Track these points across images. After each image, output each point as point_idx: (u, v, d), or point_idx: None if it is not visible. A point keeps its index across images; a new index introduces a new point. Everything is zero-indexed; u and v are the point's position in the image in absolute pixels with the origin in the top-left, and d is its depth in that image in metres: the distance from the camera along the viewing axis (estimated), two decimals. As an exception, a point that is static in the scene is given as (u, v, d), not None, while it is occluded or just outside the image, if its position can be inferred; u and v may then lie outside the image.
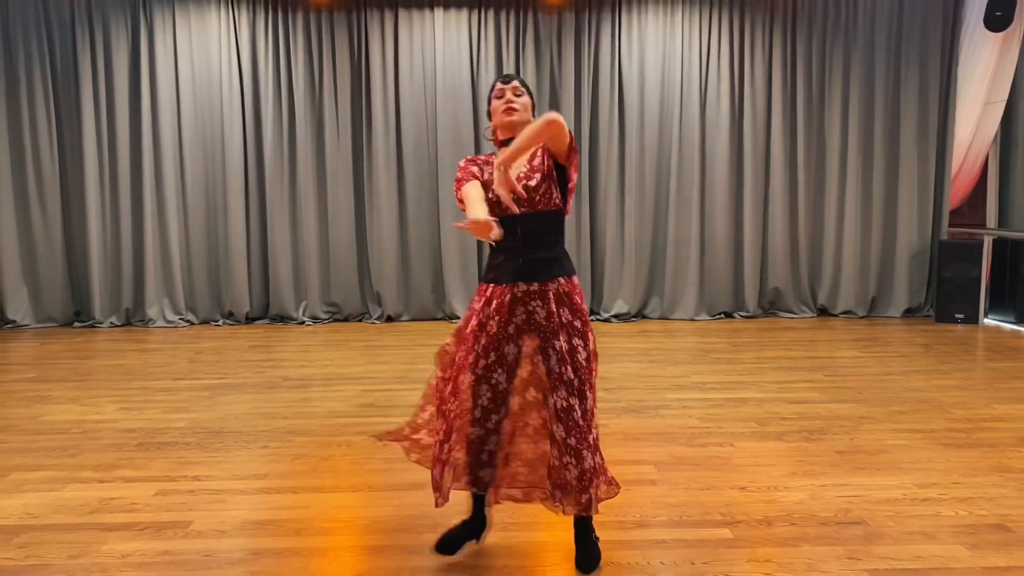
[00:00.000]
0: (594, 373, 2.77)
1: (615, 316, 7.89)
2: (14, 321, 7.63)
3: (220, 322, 7.84)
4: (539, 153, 2.78)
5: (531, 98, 2.85)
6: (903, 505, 3.34)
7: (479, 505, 2.96)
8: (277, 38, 7.65)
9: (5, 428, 4.50)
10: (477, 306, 2.78)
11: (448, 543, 2.90)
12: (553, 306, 2.70)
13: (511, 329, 2.73)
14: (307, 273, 7.84)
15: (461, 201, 2.76)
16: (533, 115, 2.84)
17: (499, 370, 2.74)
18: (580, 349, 2.71)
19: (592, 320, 7.82)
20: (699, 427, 4.44)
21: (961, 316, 7.66)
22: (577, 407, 2.67)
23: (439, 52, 7.70)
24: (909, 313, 8.11)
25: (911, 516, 3.23)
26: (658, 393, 5.18)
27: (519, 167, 2.78)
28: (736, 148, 7.96)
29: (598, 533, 2.95)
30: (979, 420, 4.54)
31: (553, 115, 2.57)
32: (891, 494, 3.46)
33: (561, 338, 2.69)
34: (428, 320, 7.95)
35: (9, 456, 4.03)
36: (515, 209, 2.63)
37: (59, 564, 2.86)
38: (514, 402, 2.76)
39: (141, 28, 7.54)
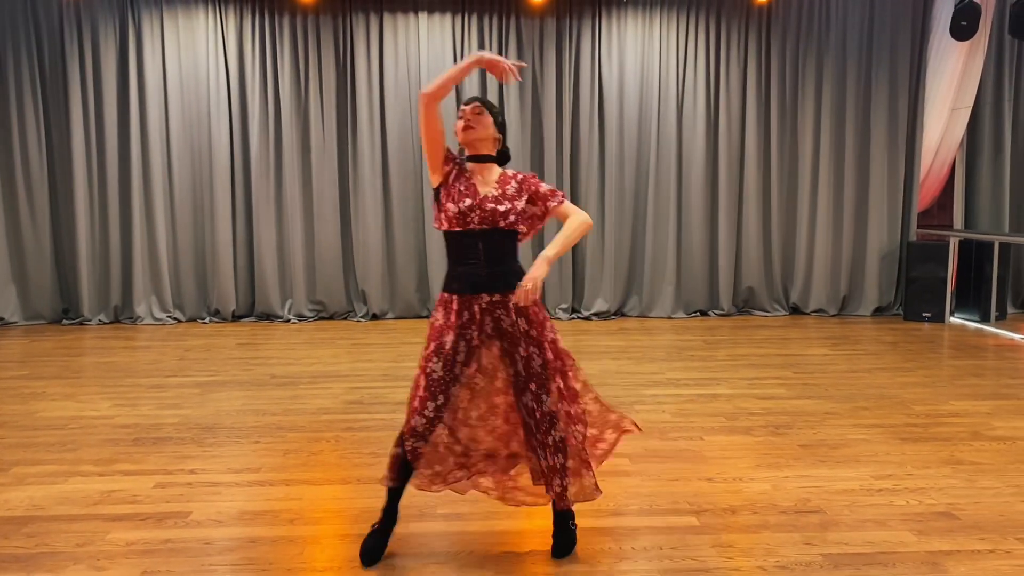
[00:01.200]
0: (559, 379, 2.95)
1: (595, 314, 8.11)
2: (2, 319, 7.74)
3: (207, 320, 7.99)
4: (520, 191, 2.96)
5: (493, 116, 2.97)
6: (859, 495, 3.57)
7: (393, 503, 3.03)
8: (264, 40, 7.80)
9: (3, 424, 4.66)
10: (450, 319, 2.87)
11: (372, 553, 2.97)
12: (514, 316, 2.89)
13: (484, 337, 2.90)
14: (293, 272, 8.00)
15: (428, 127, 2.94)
16: (501, 133, 2.99)
17: (478, 375, 2.91)
18: (535, 356, 2.90)
19: (573, 319, 8.07)
20: (672, 422, 4.67)
21: (928, 315, 7.94)
22: (537, 408, 2.88)
23: (423, 55, 7.88)
24: (879, 312, 8.39)
25: (866, 505, 3.46)
26: (634, 389, 5.40)
27: (489, 188, 2.93)
28: (712, 151, 8.19)
29: (579, 521, 3.16)
30: (937, 416, 4.79)
31: (590, 221, 2.99)
32: (849, 485, 3.69)
33: (522, 345, 2.89)
34: (413, 318, 8.14)
35: (10, 451, 4.19)
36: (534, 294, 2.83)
37: (68, 552, 3.04)
38: (482, 403, 2.93)
39: (129, 30, 7.67)
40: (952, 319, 7.99)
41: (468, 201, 2.86)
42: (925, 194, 8.57)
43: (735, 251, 8.30)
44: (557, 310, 8.13)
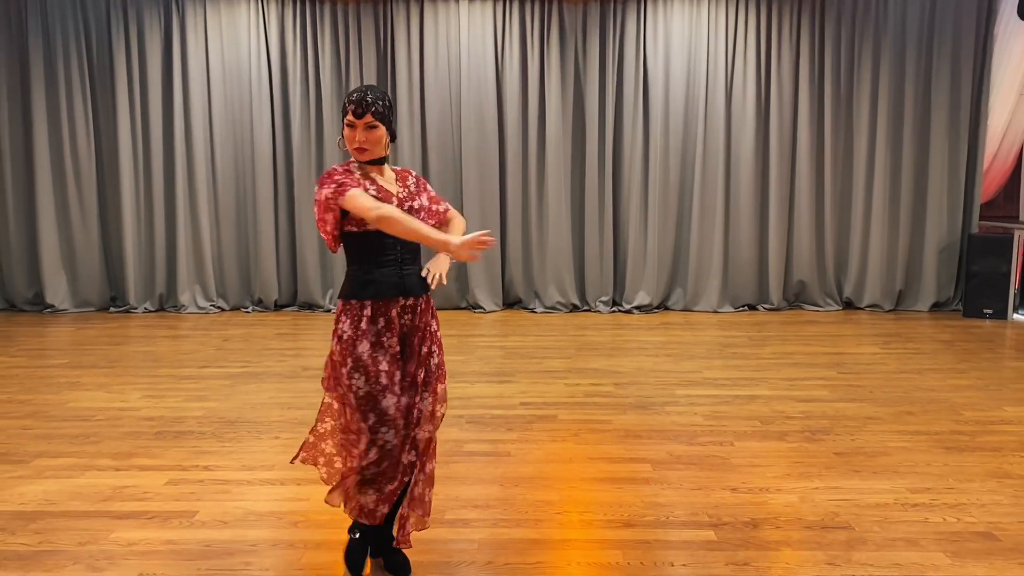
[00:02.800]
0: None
1: (637, 308, 7.92)
2: (53, 306, 7.90)
3: (250, 309, 8.04)
4: (419, 189, 2.86)
5: (386, 121, 2.72)
6: (892, 510, 3.36)
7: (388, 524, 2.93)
8: (305, 30, 7.77)
9: (34, 414, 4.72)
10: (361, 327, 2.69)
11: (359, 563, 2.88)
12: (427, 317, 2.83)
13: (401, 339, 2.77)
14: (333, 261, 7.99)
15: (332, 210, 2.65)
16: (392, 127, 2.76)
17: (406, 384, 2.78)
18: (436, 354, 2.86)
19: (613, 312, 7.90)
20: (702, 425, 4.49)
21: (990, 311, 7.55)
22: (438, 411, 2.86)
23: (464, 43, 7.76)
24: (937, 307, 8.01)
25: (898, 522, 3.25)
26: (667, 389, 5.22)
27: (395, 187, 2.79)
28: (762, 139, 7.91)
29: (584, 533, 3.04)
30: (987, 423, 4.52)
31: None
32: (882, 498, 3.48)
33: (430, 344, 2.84)
34: (452, 309, 8.06)
35: (35, 442, 4.23)
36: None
37: (69, 551, 3.03)
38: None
39: (173, 22, 7.72)
40: (1016, 316, 7.58)
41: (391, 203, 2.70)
42: (990, 184, 8.14)
43: (786, 243, 8.01)
44: (597, 303, 7.96)
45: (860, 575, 2.84)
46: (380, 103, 2.70)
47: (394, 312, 2.73)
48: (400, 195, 2.78)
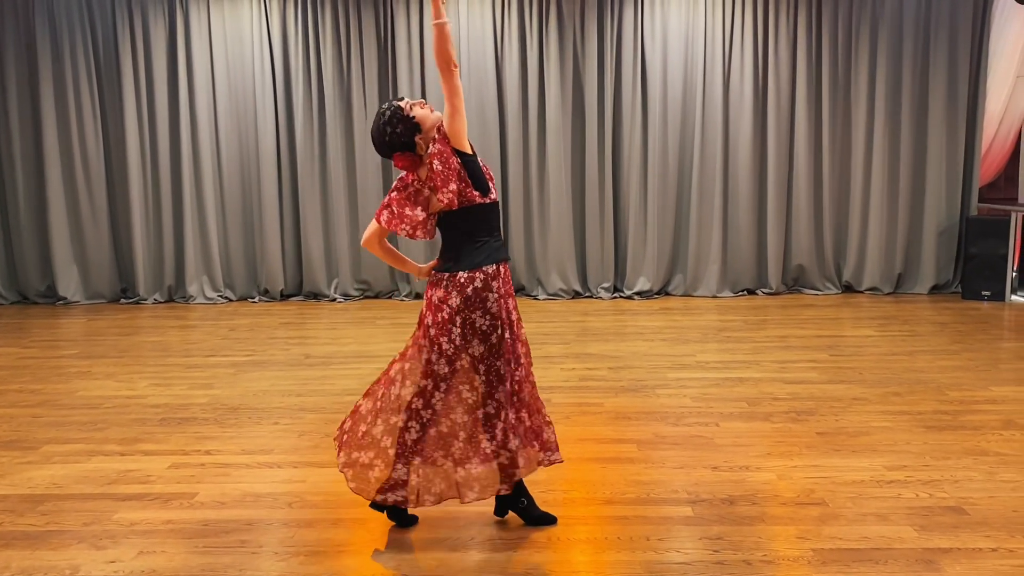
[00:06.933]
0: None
1: (637, 293, 8.02)
2: (65, 298, 8.09)
3: (256, 299, 8.20)
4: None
5: (402, 147, 2.99)
6: (867, 487, 3.47)
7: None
8: (306, 26, 7.89)
9: (44, 403, 4.88)
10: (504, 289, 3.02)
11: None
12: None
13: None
14: (338, 252, 8.13)
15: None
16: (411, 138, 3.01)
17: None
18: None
19: (615, 298, 8.01)
20: (690, 407, 4.60)
21: (988, 293, 7.60)
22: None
23: (463, 33, 7.86)
24: (936, 290, 8.07)
25: (871, 498, 3.36)
26: (659, 372, 5.33)
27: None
28: (760, 125, 7.96)
29: (565, 510, 3.17)
30: (971, 402, 4.60)
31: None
32: (858, 476, 3.59)
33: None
34: (455, 297, 8.17)
35: (44, 430, 4.40)
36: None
37: (74, 531, 3.19)
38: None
39: (178, 20, 7.85)
40: (1014, 298, 7.63)
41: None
42: (988, 166, 8.17)
43: (784, 227, 8.08)
44: (599, 289, 8.07)
45: (828, 547, 2.95)
46: (377, 139, 3.03)
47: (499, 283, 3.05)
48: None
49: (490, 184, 3.00)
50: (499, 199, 2.93)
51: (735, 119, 7.94)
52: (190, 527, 3.20)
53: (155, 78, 7.92)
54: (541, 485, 3.51)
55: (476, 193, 2.93)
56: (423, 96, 7.95)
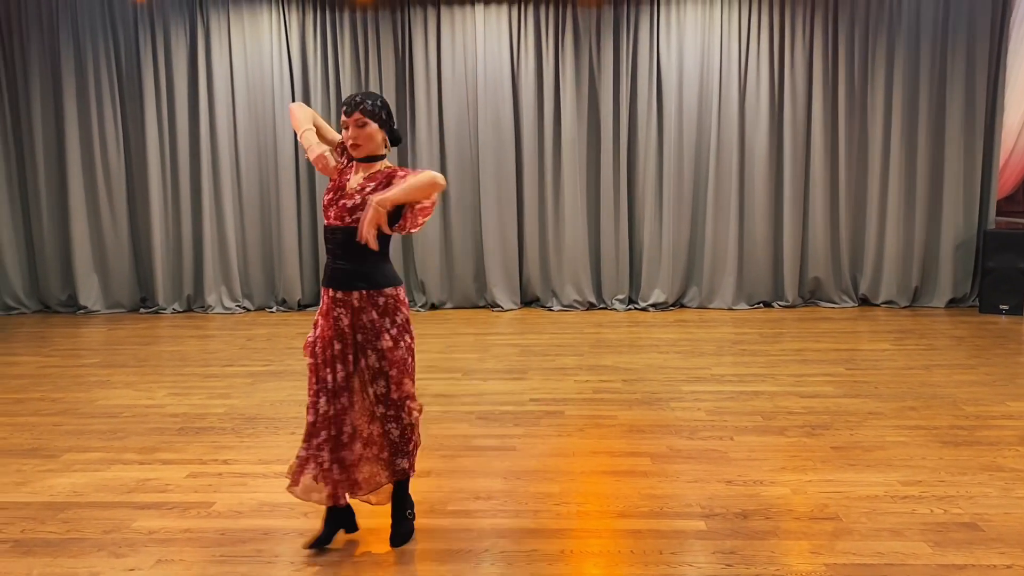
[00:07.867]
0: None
1: (652, 305, 8.03)
2: (85, 307, 8.19)
3: (274, 309, 8.26)
4: (391, 180, 2.98)
5: (377, 119, 2.98)
6: (881, 502, 3.46)
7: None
8: (325, 37, 7.98)
9: (65, 411, 4.95)
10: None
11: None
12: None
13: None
14: (355, 262, 8.16)
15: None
16: (389, 126, 3.02)
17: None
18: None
19: (629, 309, 8.01)
20: (704, 420, 4.60)
21: (1006, 307, 7.55)
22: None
23: (480, 47, 7.92)
24: (953, 304, 8.02)
25: (885, 513, 3.36)
26: (674, 385, 5.34)
27: (359, 184, 3.00)
28: (776, 136, 7.97)
29: (578, 523, 3.18)
30: (987, 417, 4.58)
31: (440, 179, 2.90)
32: (873, 491, 3.58)
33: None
34: (470, 308, 8.22)
35: (65, 438, 4.46)
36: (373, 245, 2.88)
37: (94, 538, 3.23)
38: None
39: (198, 30, 7.96)
40: (1033, 312, 7.58)
41: None
42: (1007, 179, 8.14)
43: (800, 240, 8.07)
44: (614, 301, 8.08)
45: (841, 563, 2.95)
46: (369, 101, 2.96)
47: None
48: (353, 189, 2.98)
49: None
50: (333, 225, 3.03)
51: (751, 132, 7.95)
52: (207, 536, 3.24)
53: (176, 91, 8.03)
54: (555, 498, 3.53)
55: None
56: (439, 107, 8.01)
